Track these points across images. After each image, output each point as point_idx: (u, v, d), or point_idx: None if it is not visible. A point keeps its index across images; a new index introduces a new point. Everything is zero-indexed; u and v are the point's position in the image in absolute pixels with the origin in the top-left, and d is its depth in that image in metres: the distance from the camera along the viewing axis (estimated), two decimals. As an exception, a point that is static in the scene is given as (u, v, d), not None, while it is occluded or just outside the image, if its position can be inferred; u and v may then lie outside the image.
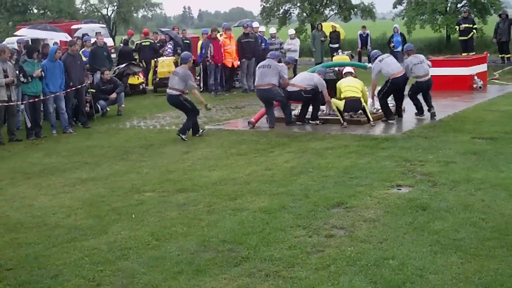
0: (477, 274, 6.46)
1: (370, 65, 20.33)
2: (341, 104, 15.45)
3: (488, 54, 26.03)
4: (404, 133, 14.17)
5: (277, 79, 16.18)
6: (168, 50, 28.22)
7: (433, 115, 15.85)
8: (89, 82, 19.72)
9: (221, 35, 25.25)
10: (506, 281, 6.29)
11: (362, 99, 15.43)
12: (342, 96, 15.53)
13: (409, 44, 18.01)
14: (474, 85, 21.77)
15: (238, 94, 24.63)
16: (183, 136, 15.28)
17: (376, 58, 16.59)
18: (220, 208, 9.28)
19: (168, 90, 15.92)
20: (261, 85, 16.22)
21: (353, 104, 15.52)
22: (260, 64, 16.98)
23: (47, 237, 8.55)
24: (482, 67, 23.11)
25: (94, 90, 19.81)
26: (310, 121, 16.12)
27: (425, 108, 16.09)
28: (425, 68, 16.15)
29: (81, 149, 14.96)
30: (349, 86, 15.57)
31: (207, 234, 8.14)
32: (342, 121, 15.46)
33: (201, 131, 15.86)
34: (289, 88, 16.39)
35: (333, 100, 15.75)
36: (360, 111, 15.82)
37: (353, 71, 16.79)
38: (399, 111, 16.33)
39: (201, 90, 25.53)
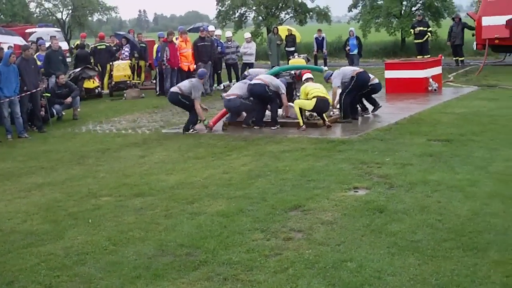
0: (434, 275, 6.52)
1: (326, 68, 20.45)
2: (310, 103, 15.50)
3: (443, 57, 26.29)
4: (361, 136, 14.23)
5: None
6: (125, 53, 28.07)
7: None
8: (44, 86, 19.55)
9: (177, 38, 25.15)
10: (462, 281, 6.35)
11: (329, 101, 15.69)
12: (311, 96, 15.58)
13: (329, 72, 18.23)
14: (429, 88, 21.96)
15: (194, 97, 24.50)
16: (190, 131, 16.07)
17: (331, 75, 17.36)
18: (177, 212, 9.25)
19: (171, 88, 16.72)
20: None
21: (324, 104, 15.71)
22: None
23: (3, 243, 8.46)
24: (437, 70, 23.33)
25: (49, 95, 19.63)
26: (271, 127, 16.11)
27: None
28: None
29: (37, 154, 14.81)
30: (317, 88, 15.72)
31: (164, 239, 8.11)
32: (302, 124, 15.52)
33: (191, 130, 16.19)
34: (254, 81, 16.62)
35: (299, 101, 15.80)
36: (315, 114, 15.94)
37: (312, 76, 16.95)
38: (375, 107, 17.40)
39: (157, 93, 25.53)
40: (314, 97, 15.52)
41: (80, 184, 11.49)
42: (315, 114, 16.04)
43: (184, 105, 16.51)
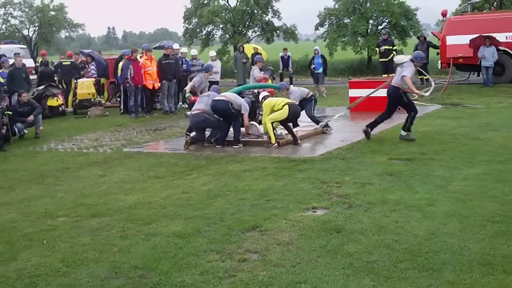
0: (388, 297, 6.48)
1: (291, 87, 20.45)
2: (283, 112, 15.50)
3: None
4: (322, 155, 14.21)
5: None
6: (92, 71, 27.95)
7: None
8: (5, 104, 19.34)
9: (141, 56, 25.03)
10: (416, 303, 6.31)
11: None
12: (279, 106, 15.56)
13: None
14: (393, 106, 22.00)
15: (158, 115, 24.47)
16: (236, 146, 16.05)
17: (285, 87, 18.03)
18: (133, 233, 9.14)
19: (217, 96, 16.78)
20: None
21: (296, 109, 16.05)
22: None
23: (-46, 265, 8.29)
24: (401, 89, 23.38)
25: (11, 113, 19.40)
26: (233, 146, 16.04)
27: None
28: None
29: (-5, 173, 14.63)
30: (282, 99, 15.79)
31: (118, 260, 7.99)
32: (274, 142, 15.50)
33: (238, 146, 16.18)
34: (217, 97, 16.61)
35: (271, 116, 15.68)
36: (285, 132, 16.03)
37: (268, 94, 17.11)
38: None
39: (121, 112, 25.39)
40: (284, 105, 15.52)
41: (37, 204, 11.32)
42: (284, 132, 16.07)
43: (228, 115, 16.35)
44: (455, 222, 8.83)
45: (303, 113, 17.18)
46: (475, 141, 15.09)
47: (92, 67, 27.91)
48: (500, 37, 30.04)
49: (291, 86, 18.90)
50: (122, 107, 25.76)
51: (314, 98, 18.23)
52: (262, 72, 24.37)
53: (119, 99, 26.85)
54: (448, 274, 6.97)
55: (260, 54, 22.32)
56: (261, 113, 17.97)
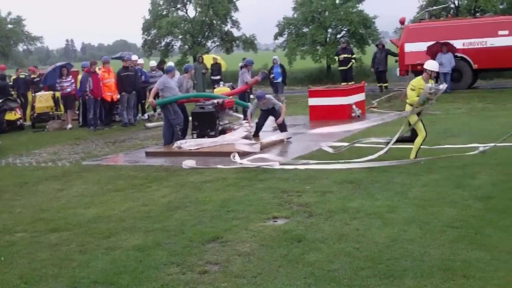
0: (349, 305, 6.45)
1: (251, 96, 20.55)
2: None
3: (366, 84, 26.60)
4: (283, 164, 14.18)
5: None
6: (65, 84, 27.59)
7: None
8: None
9: (99, 68, 24.85)
10: (377, 311, 6.29)
11: None
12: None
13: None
14: (353, 114, 22.16)
15: (117, 128, 24.35)
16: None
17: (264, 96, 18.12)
18: (93, 247, 9.02)
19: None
20: None
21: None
22: None
23: None
24: (361, 96, 23.56)
25: (-33, 128, 19.20)
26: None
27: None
28: None
29: (-48, 189, 14.38)
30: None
31: (78, 275, 7.87)
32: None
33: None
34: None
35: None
36: None
37: None
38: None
39: (80, 124, 25.19)
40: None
41: (-6, 220, 11.15)
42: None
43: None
44: (415, 228, 8.84)
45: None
46: (434, 148, 15.16)
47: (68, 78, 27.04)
48: (457, 43, 30.40)
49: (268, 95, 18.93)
50: (81, 119, 25.54)
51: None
52: (221, 83, 24.40)
53: (77, 112, 26.60)
54: (409, 280, 6.96)
55: (250, 61, 22.32)
56: (221, 123, 18.00)
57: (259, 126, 18.42)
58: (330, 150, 14.86)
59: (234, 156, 15.18)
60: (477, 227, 8.73)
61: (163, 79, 18.34)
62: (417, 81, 13.67)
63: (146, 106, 19.13)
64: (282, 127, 18.01)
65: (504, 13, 39.17)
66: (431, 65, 13.58)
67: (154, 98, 18.25)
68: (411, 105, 13.73)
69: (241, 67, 34.53)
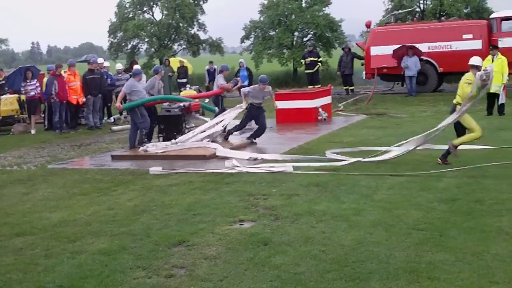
0: (315, 308, 6.46)
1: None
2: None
3: (332, 87, 26.72)
4: (249, 167, 14.18)
5: None
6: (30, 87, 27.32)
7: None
8: None
9: (65, 71, 24.67)
10: (343, 313, 6.32)
11: None
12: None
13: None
14: (319, 117, 22.26)
15: (83, 131, 24.22)
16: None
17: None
18: (58, 251, 8.95)
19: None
20: None
21: None
22: None
23: None
24: (327, 100, 23.66)
25: None
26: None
27: None
28: None
29: None
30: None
31: (43, 280, 7.80)
32: None
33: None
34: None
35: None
36: None
37: None
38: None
39: (45, 128, 24.99)
40: None
41: (-42, 225, 11.03)
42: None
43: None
44: (381, 231, 8.89)
45: None
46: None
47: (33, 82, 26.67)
48: (423, 47, 30.67)
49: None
50: (46, 123, 25.35)
51: None
52: (188, 86, 24.37)
53: (43, 115, 26.38)
54: (375, 283, 7.00)
55: (226, 67, 22.25)
56: (187, 127, 17.98)
57: (242, 125, 18.44)
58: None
59: (231, 161, 14.85)
60: (441, 229, 8.81)
61: (130, 83, 18.25)
62: (470, 75, 13.53)
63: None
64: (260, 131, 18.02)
65: (468, 17, 39.64)
66: (477, 60, 13.59)
67: (122, 102, 18.18)
68: (459, 103, 13.49)
69: (208, 70, 34.74)
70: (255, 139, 17.86)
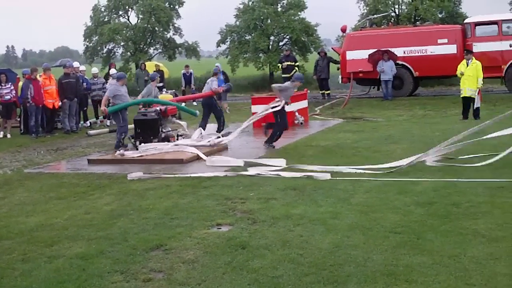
0: (293, 312, 6.47)
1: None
2: None
3: (308, 91, 26.77)
4: (226, 171, 14.18)
5: None
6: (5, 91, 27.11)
7: None
8: None
9: (40, 75, 24.54)
10: (321, 317, 6.33)
11: None
12: None
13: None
14: (296, 121, 22.32)
15: (60, 135, 24.08)
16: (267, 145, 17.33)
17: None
18: (35, 256, 8.90)
19: None
20: None
21: None
22: None
23: None
24: (303, 104, 23.70)
25: None
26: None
27: None
28: None
29: None
30: None
31: (20, 285, 7.76)
32: None
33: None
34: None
35: None
36: None
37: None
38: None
39: (21, 132, 24.84)
40: None
41: None
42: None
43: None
44: (358, 234, 8.93)
45: None
46: (377, 154, 15.36)
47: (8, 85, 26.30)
48: (398, 51, 30.86)
49: None
50: (22, 127, 25.20)
51: None
52: (164, 90, 24.37)
53: (18, 119, 26.21)
54: (353, 286, 7.02)
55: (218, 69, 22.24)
56: (164, 130, 17.97)
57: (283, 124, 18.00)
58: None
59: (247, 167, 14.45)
60: (419, 233, 8.85)
61: (113, 87, 18.23)
62: None
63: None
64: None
65: (443, 22, 39.88)
66: None
67: (106, 106, 18.18)
68: None
69: (184, 74, 34.66)
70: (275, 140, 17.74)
